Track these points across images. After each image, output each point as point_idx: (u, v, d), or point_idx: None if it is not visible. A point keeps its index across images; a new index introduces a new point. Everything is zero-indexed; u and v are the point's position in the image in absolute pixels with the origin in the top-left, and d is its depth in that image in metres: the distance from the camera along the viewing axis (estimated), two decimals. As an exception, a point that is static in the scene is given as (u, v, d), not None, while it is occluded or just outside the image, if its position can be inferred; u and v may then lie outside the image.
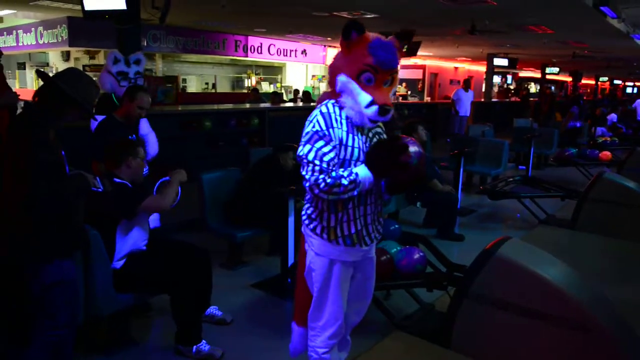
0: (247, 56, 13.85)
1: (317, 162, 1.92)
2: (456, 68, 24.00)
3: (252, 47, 13.83)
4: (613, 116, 15.73)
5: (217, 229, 4.17)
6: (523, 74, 29.64)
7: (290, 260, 3.69)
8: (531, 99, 21.15)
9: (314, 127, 1.96)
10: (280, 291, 3.77)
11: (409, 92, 19.25)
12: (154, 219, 3.52)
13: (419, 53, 16.89)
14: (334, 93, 2.01)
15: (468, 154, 6.23)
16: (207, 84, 15.78)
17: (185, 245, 3.14)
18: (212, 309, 3.30)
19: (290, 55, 15.22)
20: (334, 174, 1.93)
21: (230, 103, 10.11)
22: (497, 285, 2.62)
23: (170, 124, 6.38)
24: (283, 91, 15.43)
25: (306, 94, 11.21)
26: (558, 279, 2.51)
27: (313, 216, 2.10)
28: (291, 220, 3.72)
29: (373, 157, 1.98)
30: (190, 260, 2.99)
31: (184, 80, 14.82)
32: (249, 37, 13.62)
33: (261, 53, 14.12)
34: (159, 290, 2.95)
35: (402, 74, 20.46)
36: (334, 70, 1.99)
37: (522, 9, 8.15)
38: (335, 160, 1.95)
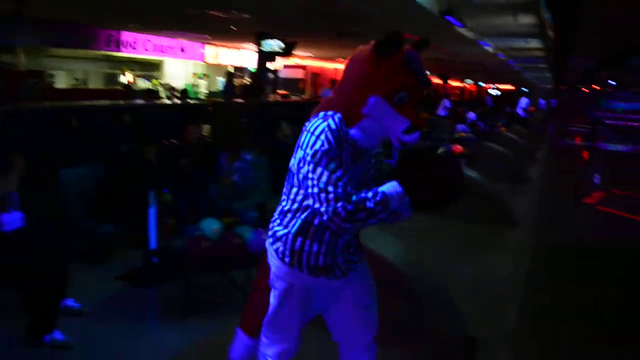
0: (119, 51, 13.35)
1: (330, 188, 1.64)
2: (336, 69, 24.98)
3: (126, 42, 13.37)
4: (472, 115, 17.46)
5: (80, 225, 4.14)
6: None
7: (152, 246, 3.76)
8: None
9: (323, 145, 1.67)
10: (142, 282, 3.85)
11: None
12: (16, 219, 3.43)
13: (299, 53, 17.44)
14: (341, 106, 1.74)
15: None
16: (77, 79, 14.94)
17: (37, 237, 3.13)
18: (69, 301, 3.31)
19: (167, 52, 14.92)
20: (353, 197, 1.65)
21: (102, 100, 9.75)
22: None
23: (35, 121, 6.09)
24: (161, 88, 15.09)
25: (183, 92, 11.12)
26: (376, 247, 2.92)
27: (278, 235, 1.86)
28: (152, 212, 3.82)
29: (410, 169, 1.77)
30: (41, 252, 2.99)
31: (51, 76, 13.92)
32: (123, 32, 13.15)
33: (136, 49, 13.70)
34: (9, 283, 2.93)
35: (284, 73, 20.91)
36: (361, 89, 1.70)
37: (381, 15, 8.82)
38: (350, 185, 1.68)
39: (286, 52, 11.89)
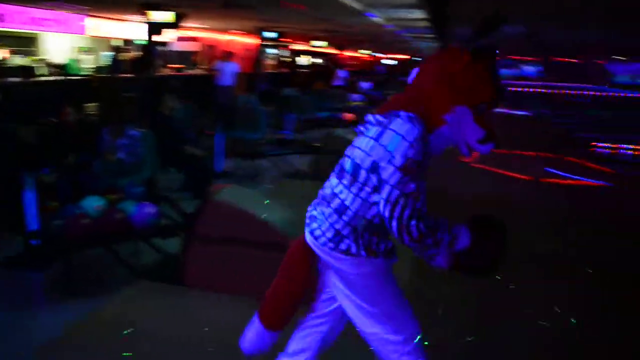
0: (-14, 24, 12.16)
1: (411, 202, 1.59)
2: (231, 40, 24.52)
3: (-6, 15, 12.18)
4: (365, 84, 18.11)
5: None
6: (298, 47, 31.56)
7: (31, 228, 3.66)
8: (304, 70, 22.89)
9: (417, 155, 1.61)
10: (24, 266, 3.73)
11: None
12: None
13: (191, 25, 16.90)
14: (422, 107, 1.68)
15: (224, 120, 6.77)
16: (-64, 56, 13.40)
17: None
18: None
19: (44, 25, 13.81)
20: (431, 221, 1.63)
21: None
22: (215, 225, 3.10)
23: None
24: (41, 64, 13.99)
25: (64, 68, 10.44)
26: (262, 212, 3.10)
27: (344, 232, 1.76)
28: (29, 193, 3.69)
29: (481, 230, 1.73)
30: None
31: None
32: (-11, 3, 11.97)
33: (4, 21, 12.53)
34: None
35: (177, 46, 20.17)
36: (449, 94, 1.67)
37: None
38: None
39: (175, 24, 11.50)
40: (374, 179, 1.68)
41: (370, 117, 1.76)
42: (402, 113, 1.66)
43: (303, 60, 32.90)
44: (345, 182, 1.76)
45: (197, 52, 22.55)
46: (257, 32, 18.85)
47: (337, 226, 1.76)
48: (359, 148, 1.74)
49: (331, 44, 25.57)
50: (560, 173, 7.54)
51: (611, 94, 33.28)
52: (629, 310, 3.38)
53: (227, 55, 11.94)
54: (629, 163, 8.89)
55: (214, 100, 9.99)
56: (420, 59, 35.66)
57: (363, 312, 1.84)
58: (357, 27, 17.00)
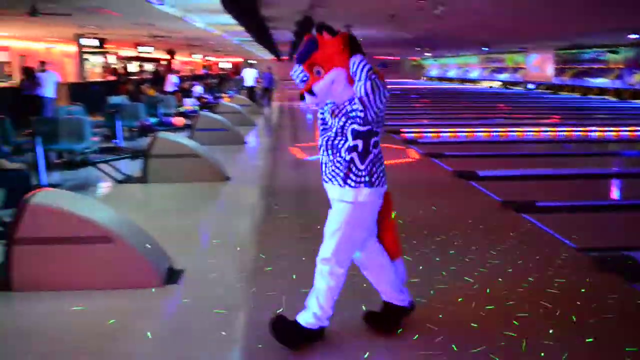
0: None
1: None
2: (48, 49, 22.80)
3: None
4: (199, 88, 18.27)
5: None
6: (126, 53, 30.23)
7: None
8: (134, 77, 22.15)
9: None
10: None
11: None
12: None
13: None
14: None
15: (44, 133, 6.65)
16: None
17: None
18: None
19: None
20: None
21: None
22: (35, 226, 3.28)
23: None
24: None
25: None
26: (82, 210, 3.35)
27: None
28: None
29: None
30: None
31: None
32: None
33: None
34: None
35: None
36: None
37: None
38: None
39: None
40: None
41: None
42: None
43: (134, 66, 31.66)
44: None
45: (8, 62, 20.68)
46: (76, 39, 17.90)
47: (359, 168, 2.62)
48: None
49: (159, 50, 25.07)
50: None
51: (428, 85, 37.52)
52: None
53: (43, 65, 11.28)
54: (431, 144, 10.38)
55: (30, 112, 9.44)
56: (254, 62, 36.38)
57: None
58: (182, 32, 17.09)
